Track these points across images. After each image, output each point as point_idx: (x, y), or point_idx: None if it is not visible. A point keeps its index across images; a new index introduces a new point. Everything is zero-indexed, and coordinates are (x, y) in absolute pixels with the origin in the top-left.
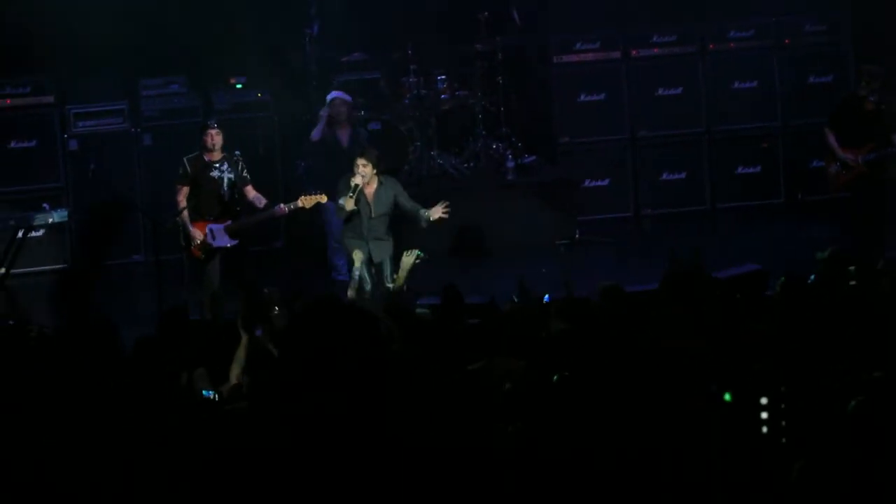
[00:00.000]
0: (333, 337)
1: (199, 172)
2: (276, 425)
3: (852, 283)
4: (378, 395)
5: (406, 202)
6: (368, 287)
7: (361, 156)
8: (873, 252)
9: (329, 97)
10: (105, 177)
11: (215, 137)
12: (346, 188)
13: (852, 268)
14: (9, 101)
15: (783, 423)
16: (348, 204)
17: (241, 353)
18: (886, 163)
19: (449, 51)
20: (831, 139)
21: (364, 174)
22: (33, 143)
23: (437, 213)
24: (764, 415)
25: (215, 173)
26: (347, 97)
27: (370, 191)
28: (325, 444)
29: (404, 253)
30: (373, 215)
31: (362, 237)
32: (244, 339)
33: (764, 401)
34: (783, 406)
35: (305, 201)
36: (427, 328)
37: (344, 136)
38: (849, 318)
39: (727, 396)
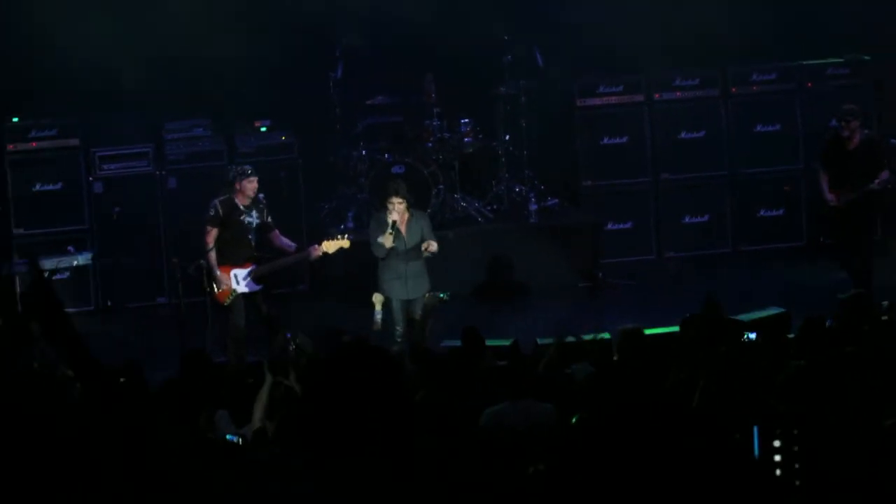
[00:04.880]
0: (358, 382)
1: (230, 216)
2: (299, 472)
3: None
4: (403, 442)
5: (428, 235)
6: (401, 328)
7: (396, 193)
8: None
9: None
10: (130, 219)
11: (255, 185)
12: (379, 226)
13: (886, 303)
14: (35, 144)
15: (797, 465)
16: (388, 241)
17: (264, 395)
18: (868, 200)
19: (472, 94)
20: (822, 180)
21: (399, 211)
22: (59, 186)
23: (427, 248)
24: (777, 457)
25: (244, 218)
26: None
27: (403, 226)
28: (346, 488)
29: (427, 295)
30: (407, 247)
31: (400, 276)
32: (269, 380)
33: (777, 443)
34: (797, 448)
35: (329, 246)
36: (449, 371)
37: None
38: (869, 360)
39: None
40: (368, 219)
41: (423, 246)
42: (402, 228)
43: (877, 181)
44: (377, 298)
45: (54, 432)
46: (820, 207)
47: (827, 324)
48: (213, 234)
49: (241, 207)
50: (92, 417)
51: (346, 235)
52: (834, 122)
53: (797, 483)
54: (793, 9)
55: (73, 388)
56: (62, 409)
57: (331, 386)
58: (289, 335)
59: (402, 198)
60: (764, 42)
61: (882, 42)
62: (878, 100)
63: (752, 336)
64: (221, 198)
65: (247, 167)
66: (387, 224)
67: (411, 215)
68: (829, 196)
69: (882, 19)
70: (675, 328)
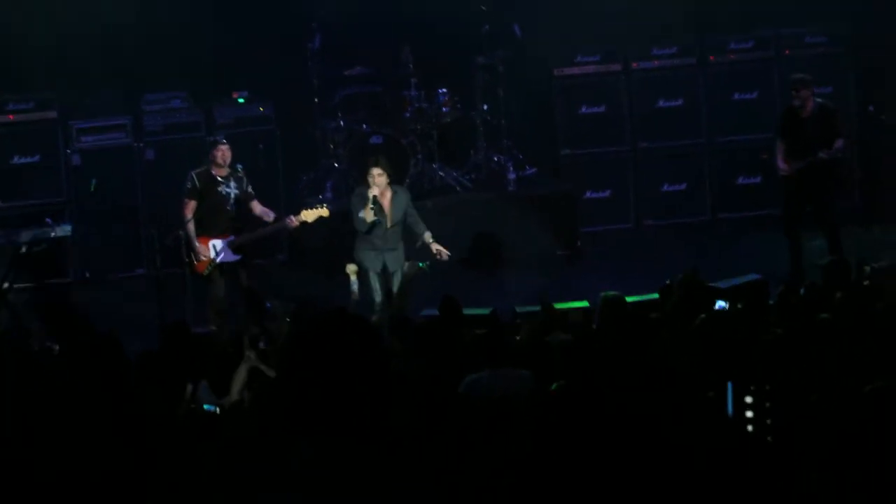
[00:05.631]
0: (336, 351)
1: (207, 187)
2: (278, 444)
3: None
4: (381, 410)
5: (412, 215)
6: (379, 298)
7: (376, 164)
8: (796, 265)
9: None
10: (108, 191)
11: (226, 153)
12: (361, 201)
13: (867, 268)
14: (12, 117)
15: (768, 421)
16: (368, 216)
17: (242, 369)
18: (821, 169)
19: (450, 64)
20: (778, 150)
21: (379, 184)
22: (36, 158)
23: (437, 248)
24: (749, 413)
25: (222, 189)
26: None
27: (386, 201)
28: (326, 463)
29: (406, 264)
30: (390, 224)
31: (377, 248)
32: (247, 353)
33: (749, 399)
34: (768, 404)
35: (308, 215)
36: (429, 340)
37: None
38: (845, 327)
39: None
40: (347, 190)
41: (435, 249)
42: (385, 203)
43: (830, 150)
44: (351, 269)
45: (29, 398)
46: (774, 176)
47: (801, 292)
48: (190, 206)
49: (219, 178)
50: (71, 384)
51: (324, 205)
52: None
53: (769, 439)
54: None
55: (49, 357)
56: (36, 375)
57: (308, 356)
58: (268, 306)
59: (382, 169)
60: (741, 10)
61: (860, 9)
62: (856, 66)
63: (723, 305)
64: (198, 170)
65: (219, 137)
66: (367, 199)
67: (394, 192)
68: (781, 165)
69: None
70: (655, 295)
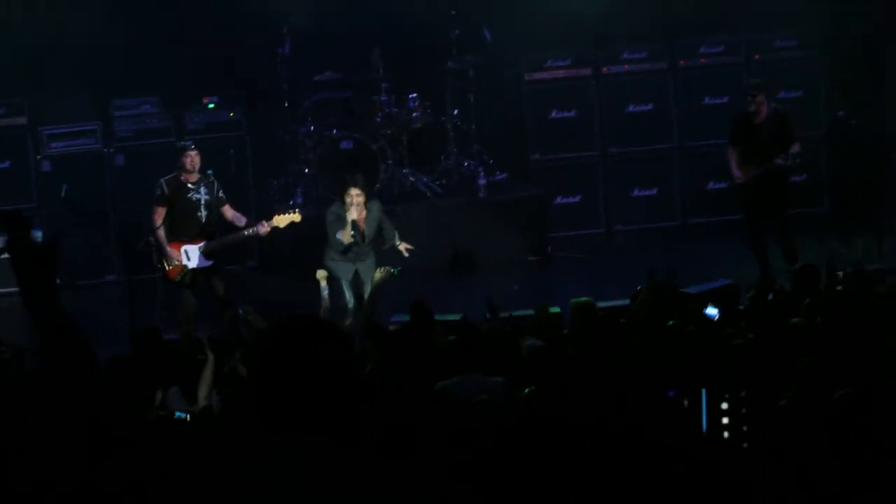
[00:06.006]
0: (305, 354)
1: (177, 194)
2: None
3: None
4: (357, 409)
5: (386, 224)
6: (351, 304)
7: (354, 185)
8: (764, 271)
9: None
10: (78, 197)
11: (194, 159)
12: (338, 222)
13: (840, 273)
14: None
15: (744, 427)
16: (346, 238)
17: (207, 374)
18: (776, 176)
19: (421, 69)
20: (731, 158)
21: (357, 203)
22: (6, 164)
23: (405, 246)
24: (725, 419)
25: (192, 195)
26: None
27: (361, 220)
28: (303, 461)
29: (377, 269)
30: (366, 241)
31: (350, 260)
32: (210, 358)
33: (724, 406)
34: (744, 410)
35: (279, 220)
36: (401, 345)
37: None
38: (816, 331)
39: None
40: (317, 195)
41: (402, 247)
42: (360, 223)
43: (786, 155)
44: (321, 274)
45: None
46: (731, 184)
47: (770, 297)
48: (160, 213)
49: (189, 184)
50: (46, 393)
51: (296, 210)
52: (783, 94)
53: (745, 446)
54: None
55: (20, 364)
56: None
57: (279, 360)
58: (241, 311)
59: (361, 189)
60: (711, 14)
61: (830, 12)
62: (826, 70)
63: (713, 313)
64: (167, 177)
65: (187, 142)
66: (345, 220)
67: (369, 210)
68: (736, 173)
69: None
70: (626, 301)
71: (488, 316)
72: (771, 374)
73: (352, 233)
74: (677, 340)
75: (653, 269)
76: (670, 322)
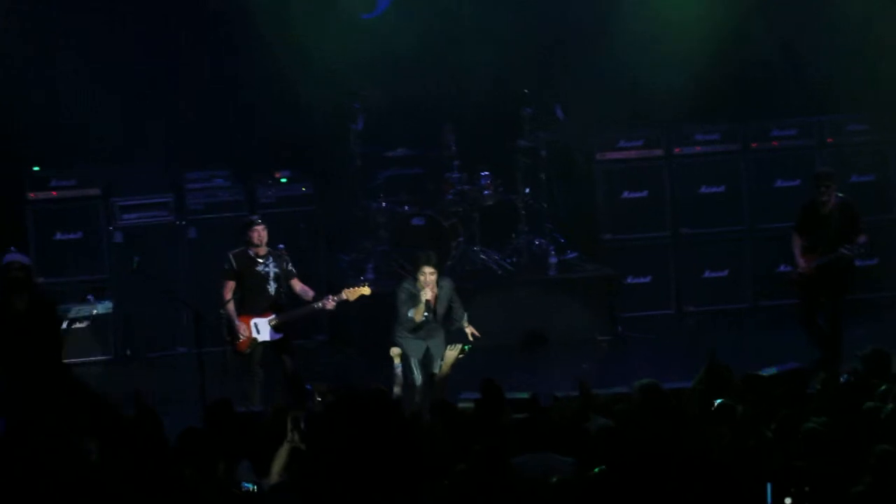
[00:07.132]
0: (355, 430)
1: (245, 267)
2: None
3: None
4: (409, 485)
5: (455, 303)
6: (419, 382)
7: (428, 263)
8: (828, 359)
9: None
10: (149, 269)
11: (261, 233)
12: (411, 300)
13: None
14: (55, 193)
15: None
16: (419, 316)
17: (283, 449)
18: (840, 266)
19: (492, 146)
20: (795, 245)
21: (430, 283)
22: (79, 235)
23: (471, 331)
24: None
25: (261, 268)
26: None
27: (433, 297)
28: None
29: (448, 347)
30: (437, 320)
31: (421, 338)
32: (290, 434)
33: (788, 501)
34: None
35: (349, 294)
36: (469, 423)
37: None
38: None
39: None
40: (388, 271)
41: (468, 330)
42: (432, 300)
43: (852, 245)
44: (395, 352)
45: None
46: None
47: (842, 379)
48: (229, 287)
49: (257, 258)
50: (110, 476)
51: (366, 284)
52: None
53: None
54: (815, 65)
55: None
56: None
57: (336, 436)
58: (309, 387)
59: (434, 268)
60: (786, 98)
61: None
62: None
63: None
64: (235, 251)
65: (254, 217)
66: (417, 298)
67: (441, 287)
68: (801, 261)
69: None
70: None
71: (578, 394)
72: (844, 460)
73: (425, 312)
74: (730, 421)
75: (713, 349)
76: (718, 401)
